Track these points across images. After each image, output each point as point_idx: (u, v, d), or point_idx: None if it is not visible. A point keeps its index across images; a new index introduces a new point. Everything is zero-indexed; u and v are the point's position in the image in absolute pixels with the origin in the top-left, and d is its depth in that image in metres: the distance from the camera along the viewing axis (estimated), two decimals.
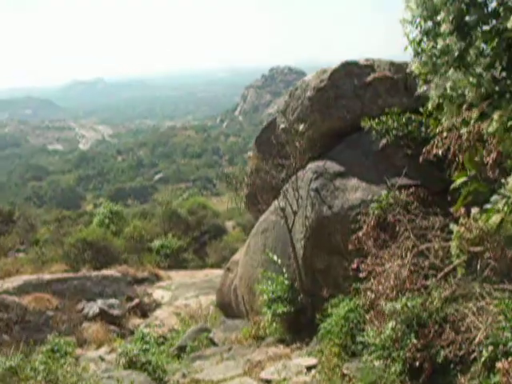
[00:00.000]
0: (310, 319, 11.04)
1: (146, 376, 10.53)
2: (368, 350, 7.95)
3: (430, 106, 5.63)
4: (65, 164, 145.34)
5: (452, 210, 6.92)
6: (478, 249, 6.81)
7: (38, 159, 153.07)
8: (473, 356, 6.40)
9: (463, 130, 7.10)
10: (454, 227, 6.73)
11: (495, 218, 4.85)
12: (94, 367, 12.96)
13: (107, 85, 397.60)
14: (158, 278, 24.52)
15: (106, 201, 43.61)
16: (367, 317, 8.31)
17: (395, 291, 7.78)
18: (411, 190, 9.67)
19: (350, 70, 12.19)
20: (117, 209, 33.87)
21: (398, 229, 8.90)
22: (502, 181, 4.73)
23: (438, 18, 5.10)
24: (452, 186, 5.63)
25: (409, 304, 7.31)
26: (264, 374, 9.61)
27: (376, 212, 9.60)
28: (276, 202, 12.29)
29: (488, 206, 4.93)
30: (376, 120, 11.12)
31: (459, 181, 5.40)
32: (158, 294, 21.82)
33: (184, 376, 10.89)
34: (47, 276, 20.55)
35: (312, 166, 11.79)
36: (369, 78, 11.96)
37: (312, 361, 9.64)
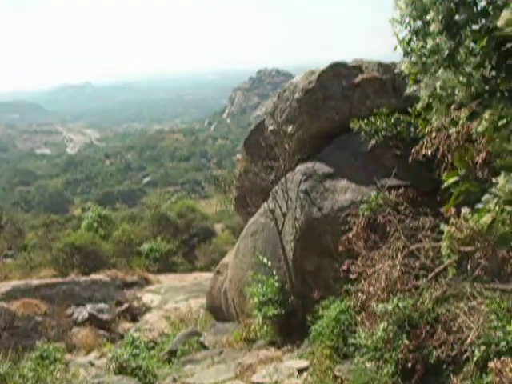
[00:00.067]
0: (301, 321, 11.01)
1: (136, 381, 10.47)
2: (360, 352, 7.92)
3: (419, 105, 5.61)
4: (52, 168, 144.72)
5: (442, 209, 6.89)
6: (468, 249, 6.80)
7: (26, 164, 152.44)
8: (465, 356, 6.40)
9: (452, 130, 7.10)
10: (444, 227, 6.71)
11: (486, 218, 4.83)
12: (84, 373, 12.86)
13: (95, 89, 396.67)
14: (148, 282, 24.42)
15: (94, 205, 43.42)
16: (358, 318, 8.29)
17: (386, 292, 7.77)
18: (401, 190, 9.67)
19: (338, 71, 12.19)
20: (105, 213, 33.70)
21: (388, 229, 8.90)
22: (494, 180, 4.71)
23: (428, 17, 5.09)
24: (443, 186, 5.60)
25: (400, 305, 7.30)
26: (255, 378, 9.56)
27: (366, 213, 9.60)
28: (265, 205, 12.25)
29: (479, 205, 4.91)
30: (365, 121, 11.12)
31: (450, 181, 5.38)
32: (147, 297, 21.72)
33: (175, 380, 10.82)
34: (36, 281, 20.40)
35: (301, 167, 11.77)
36: (357, 79, 11.96)
37: (303, 363, 9.60)
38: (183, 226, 33.24)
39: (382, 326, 7.43)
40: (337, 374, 8.30)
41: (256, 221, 13.37)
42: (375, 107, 11.32)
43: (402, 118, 10.82)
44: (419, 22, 5.37)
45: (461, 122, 5.89)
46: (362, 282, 8.30)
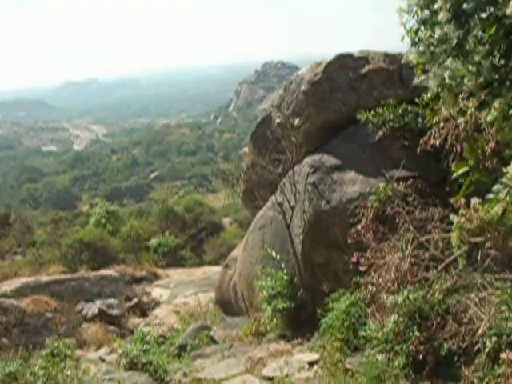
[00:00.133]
0: (311, 314, 10.99)
1: (147, 377, 10.46)
2: (370, 344, 7.92)
3: (428, 95, 5.56)
4: (59, 165, 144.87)
5: (452, 200, 6.85)
6: (478, 239, 6.74)
7: (33, 161, 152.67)
8: (476, 347, 6.36)
9: (460, 120, 7.03)
10: (454, 218, 6.66)
11: (497, 208, 4.80)
12: (95, 369, 12.90)
13: (101, 85, 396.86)
14: (157, 277, 24.44)
15: (101, 201, 43.50)
16: (369, 310, 8.28)
17: (396, 284, 7.74)
18: (409, 181, 9.61)
19: (344, 63, 12.12)
20: (113, 208, 33.74)
21: (397, 221, 8.84)
22: (504, 170, 4.67)
23: (435, 6, 5.04)
24: (452, 177, 5.56)
25: (410, 297, 7.28)
26: (266, 371, 9.56)
27: (374, 205, 9.55)
28: (273, 198, 12.22)
29: (490, 195, 4.87)
30: (372, 112, 11.06)
31: (460, 171, 5.33)
32: (156, 292, 21.74)
33: (185, 375, 10.82)
34: (45, 278, 20.44)
35: (308, 160, 11.72)
36: (364, 70, 11.89)
37: (314, 356, 9.59)
38: (191, 221, 33.23)
39: (392, 318, 7.41)
40: (347, 366, 8.29)
41: (264, 214, 13.35)
42: (382, 98, 11.25)
43: (409, 108, 10.75)
44: (427, 11, 5.32)
45: (469, 111, 5.83)
46: (372, 274, 8.27)
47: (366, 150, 11.18)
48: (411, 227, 8.45)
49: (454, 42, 4.97)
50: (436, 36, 5.08)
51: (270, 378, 9.28)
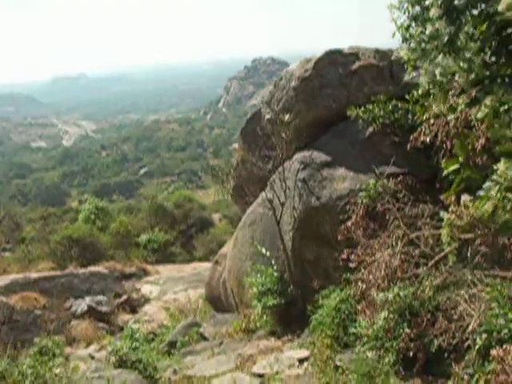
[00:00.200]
0: (301, 311, 10.99)
1: (136, 374, 10.40)
2: (361, 341, 7.92)
3: (419, 92, 5.54)
4: (48, 161, 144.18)
5: (443, 197, 6.85)
6: (468, 236, 6.75)
7: (22, 157, 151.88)
8: (467, 344, 6.37)
9: (450, 117, 7.03)
10: (444, 214, 6.67)
11: (488, 206, 4.79)
12: (84, 366, 12.81)
13: (90, 80, 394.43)
14: (146, 273, 24.38)
15: (91, 197, 43.32)
16: (359, 307, 8.27)
17: (386, 281, 7.74)
18: (399, 178, 9.61)
19: (334, 59, 12.08)
20: (102, 204, 33.61)
21: (387, 218, 8.84)
22: (494, 167, 4.65)
23: (427, 2, 5.02)
24: (444, 174, 5.54)
25: (401, 293, 7.28)
26: (256, 368, 9.53)
27: (364, 201, 9.55)
28: (263, 194, 12.19)
29: (481, 192, 4.85)
30: (362, 108, 11.03)
31: (451, 168, 5.32)
32: (146, 289, 21.68)
33: (175, 372, 10.79)
34: (34, 274, 20.31)
35: (299, 156, 11.69)
36: (354, 66, 11.85)
37: (304, 353, 9.58)
38: (181, 217, 33.16)
39: (382, 314, 7.41)
40: (338, 363, 8.28)
41: (254, 210, 13.32)
42: (373, 94, 11.22)
43: (399, 105, 10.73)
44: (418, 8, 5.30)
45: (459, 108, 5.82)
46: (362, 270, 8.27)
47: (356, 146, 11.16)
48: (401, 224, 8.44)
49: (446, 38, 4.95)
50: (427, 32, 5.07)
51: (260, 375, 9.26)
